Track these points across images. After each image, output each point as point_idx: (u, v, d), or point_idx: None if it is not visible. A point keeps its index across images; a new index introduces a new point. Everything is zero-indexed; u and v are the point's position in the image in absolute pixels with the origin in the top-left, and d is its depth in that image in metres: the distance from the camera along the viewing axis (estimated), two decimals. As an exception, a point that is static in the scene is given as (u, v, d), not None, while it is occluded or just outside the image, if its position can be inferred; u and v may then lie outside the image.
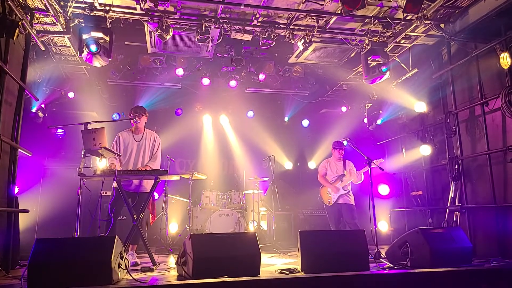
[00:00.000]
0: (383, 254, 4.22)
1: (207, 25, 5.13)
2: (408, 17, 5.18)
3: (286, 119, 8.74)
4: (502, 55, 4.61)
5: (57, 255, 2.92)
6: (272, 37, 5.41)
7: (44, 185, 6.23)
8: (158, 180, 4.12)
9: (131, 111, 4.59)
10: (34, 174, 6.24)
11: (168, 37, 5.05)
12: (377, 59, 5.55)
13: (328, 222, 5.73)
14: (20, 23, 4.12)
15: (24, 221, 5.35)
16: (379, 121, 7.98)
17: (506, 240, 4.67)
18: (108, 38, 4.74)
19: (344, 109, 8.64)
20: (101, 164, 4.06)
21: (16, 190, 4.33)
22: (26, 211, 4.43)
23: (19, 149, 4.33)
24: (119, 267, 3.08)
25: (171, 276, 3.50)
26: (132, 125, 4.61)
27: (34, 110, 6.63)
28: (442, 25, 5.28)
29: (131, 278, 3.14)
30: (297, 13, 5.13)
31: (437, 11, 5.11)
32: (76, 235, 4.00)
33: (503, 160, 4.84)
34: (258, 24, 5.30)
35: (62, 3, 4.61)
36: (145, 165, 4.52)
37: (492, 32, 4.90)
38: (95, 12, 4.73)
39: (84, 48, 4.65)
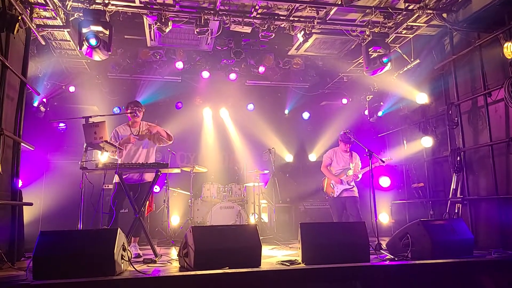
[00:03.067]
0: (384, 245, 4.23)
1: (206, 17, 5.10)
2: (410, 7, 5.12)
3: (286, 111, 8.71)
4: (506, 44, 4.54)
5: (61, 247, 2.96)
6: (271, 29, 5.36)
7: (47, 179, 6.29)
8: (159, 173, 4.16)
9: (130, 105, 4.65)
10: (37, 167, 6.30)
11: (167, 30, 5.03)
12: (378, 50, 5.50)
13: (328, 214, 5.73)
14: (20, 18, 4.11)
15: (28, 214, 5.40)
16: (380, 113, 7.93)
17: (508, 232, 4.64)
18: (107, 32, 4.73)
19: (344, 101, 8.58)
20: (102, 157, 4.09)
21: (20, 183, 4.37)
22: (30, 204, 4.48)
23: (22, 143, 4.36)
24: (122, 258, 3.12)
25: (173, 267, 3.54)
26: (129, 119, 4.64)
27: (35, 104, 6.65)
28: (444, 15, 5.22)
29: (134, 269, 3.17)
30: (297, 4, 5.08)
31: (439, 0, 5.05)
32: (79, 227, 4.05)
33: (505, 151, 4.80)
34: (258, 16, 5.26)
35: (61, -3, 4.60)
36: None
37: (495, 22, 4.82)
38: (94, 5, 4.70)
39: (84, 42, 4.65)
